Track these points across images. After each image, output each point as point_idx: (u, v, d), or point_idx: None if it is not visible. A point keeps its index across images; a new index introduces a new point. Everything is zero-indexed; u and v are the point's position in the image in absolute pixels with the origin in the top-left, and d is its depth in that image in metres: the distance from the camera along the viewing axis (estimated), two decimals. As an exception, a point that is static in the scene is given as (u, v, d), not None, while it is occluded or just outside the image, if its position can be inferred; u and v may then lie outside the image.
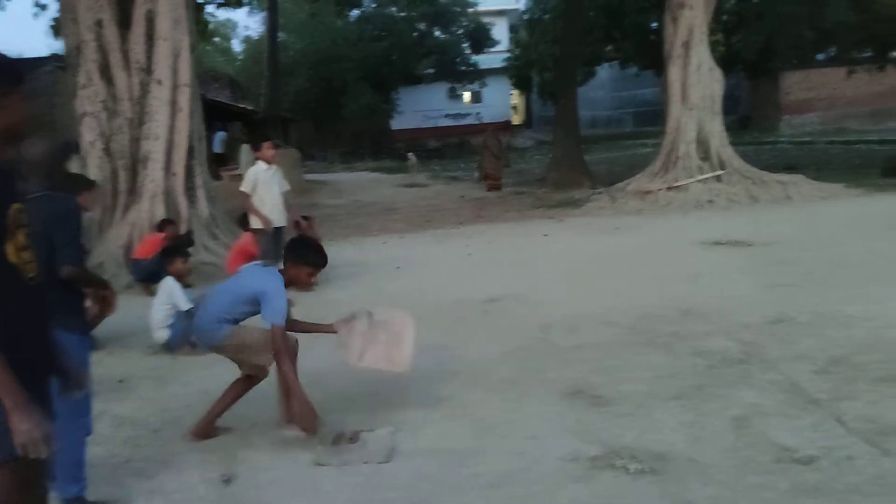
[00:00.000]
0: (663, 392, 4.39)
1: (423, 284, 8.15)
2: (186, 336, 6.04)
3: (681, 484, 3.30)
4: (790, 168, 15.90)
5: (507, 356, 5.41)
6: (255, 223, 7.74)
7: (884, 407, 3.93)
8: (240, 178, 19.08)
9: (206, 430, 4.18)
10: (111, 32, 10.13)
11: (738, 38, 29.19)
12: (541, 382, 4.76)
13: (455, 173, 25.23)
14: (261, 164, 7.90)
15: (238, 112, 27.86)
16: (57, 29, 11.85)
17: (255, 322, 4.09)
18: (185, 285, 6.31)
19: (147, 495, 3.59)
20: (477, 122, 41.17)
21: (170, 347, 6.02)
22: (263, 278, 4.03)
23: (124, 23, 10.18)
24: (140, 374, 5.58)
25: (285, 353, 3.93)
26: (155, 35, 10.11)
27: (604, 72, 36.95)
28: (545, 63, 31.79)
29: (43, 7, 15.79)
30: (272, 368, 4.11)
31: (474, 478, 3.52)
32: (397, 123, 40.90)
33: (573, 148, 18.13)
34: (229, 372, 5.23)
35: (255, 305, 3.99)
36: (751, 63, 30.67)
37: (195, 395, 4.99)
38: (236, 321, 4.05)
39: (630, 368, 4.88)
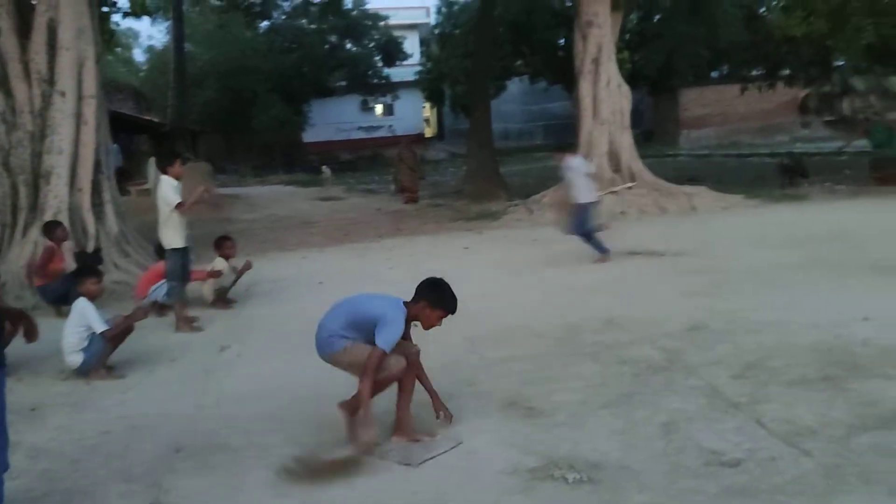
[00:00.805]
0: (594, 401, 4.50)
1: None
2: (101, 359, 5.79)
3: (617, 492, 3.39)
4: (692, 180, 16.66)
5: (437, 370, 5.34)
6: (175, 242, 7.38)
7: (798, 409, 4.15)
8: (148, 192, 18.49)
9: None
10: (10, 42, 9.61)
11: (640, 55, 30.46)
12: (474, 395, 4.79)
13: (370, 186, 25.14)
14: (172, 181, 7.60)
15: (143, 124, 26.88)
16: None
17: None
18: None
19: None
20: (390, 135, 41.21)
21: (84, 372, 5.73)
22: (386, 305, 4.07)
23: (24, 32, 9.67)
24: (53, 401, 5.28)
25: (372, 376, 3.87)
26: (57, 44, 9.64)
27: (514, 86, 37.74)
28: (456, 76, 32.21)
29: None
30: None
31: (415, 495, 3.50)
32: (309, 136, 40.46)
33: (488, 160, 18.40)
34: (147, 399, 5.07)
35: (367, 327, 3.99)
36: (652, 80, 32.06)
37: (113, 420, 4.78)
38: (351, 338, 4.03)
39: (561, 379, 4.98)
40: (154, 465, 4.02)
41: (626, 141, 14.86)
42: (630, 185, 14.18)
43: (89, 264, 7.35)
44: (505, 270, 9.27)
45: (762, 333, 5.67)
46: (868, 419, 3.94)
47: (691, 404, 4.33)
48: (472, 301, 7.54)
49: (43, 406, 5.14)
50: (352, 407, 4.02)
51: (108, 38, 12.93)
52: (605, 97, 14.61)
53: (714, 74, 34.93)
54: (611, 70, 14.74)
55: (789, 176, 16.25)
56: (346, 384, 5.20)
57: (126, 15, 13.58)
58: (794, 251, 8.94)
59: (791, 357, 5.07)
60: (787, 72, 27.81)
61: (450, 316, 4.20)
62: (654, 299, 7.12)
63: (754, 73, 29.91)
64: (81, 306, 5.82)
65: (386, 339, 3.91)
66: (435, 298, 4.12)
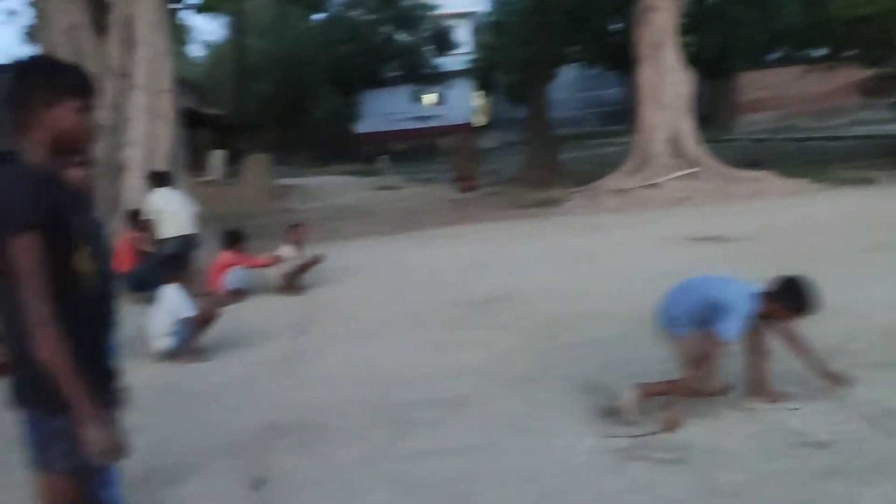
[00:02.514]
0: (676, 384, 4.52)
1: (417, 286, 8.21)
2: (189, 343, 6.03)
3: (708, 470, 3.43)
4: (753, 164, 16.32)
5: (515, 354, 5.50)
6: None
7: (883, 391, 4.14)
8: (210, 183, 19.00)
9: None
10: (86, 38, 9.99)
11: (695, 39, 29.83)
12: (555, 379, 4.85)
13: (426, 175, 25.30)
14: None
15: (204, 118, 27.52)
16: (31, 35, 11.59)
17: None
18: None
19: (176, 502, 3.59)
20: (442, 125, 41.28)
21: (172, 355, 5.98)
22: (737, 294, 3.83)
23: (100, 28, 10.04)
24: (146, 382, 5.49)
25: (705, 363, 3.79)
26: (133, 40, 9.98)
27: (567, 73, 37.37)
28: (510, 65, 32.05)
29: (13, 13, 15.44)
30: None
31: (505, 473, 3.59)
32: (363, 127, 40.78)
33: (547, 148, 18.37)
34: (235, 381, 5.24)
35: (708, 311, 3.83)
36: (708, 64, 31.36)
37: (205, 402, 4.98)
38: (694, 325, 3.91)
39: (640, 363, 4.99)
40: (251, 443, 4.19)
41: (687, 126, 14.65)
42: (693, 170, 13.98)
43: (177, 253, 7.63)
44: (572, 256, 9.28)
45: (841, 317, 5.56)
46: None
47: (777, 388, 4.31)
48: (540, 287, 7.66)
49: (136, 387, 5.38)
50: (653, 391, 4.03)
51: (179, 33, 13.31)
52: (667, 82, 14.42)
53: (771, 57, 33.99)
54: (672, 54, 14.53)
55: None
56: (421, 366, 5.37)
57: (199, 10, 13.94)
58: (864, 235, 8.73)
59: (873, 340, 5.03)
60: (849, 53, 26.89)
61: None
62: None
63: (813, 55, 29.01)
64: (170, 293, 6.07)
65: (730, 330, 3.73)
66: (796, 301, 3.85)
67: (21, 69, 2.12)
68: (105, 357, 2.23)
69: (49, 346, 1.93)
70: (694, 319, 3.91)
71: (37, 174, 2.01)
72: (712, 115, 35.89)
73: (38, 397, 2.07)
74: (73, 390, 1.96)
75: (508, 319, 6.52)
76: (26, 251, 1.93)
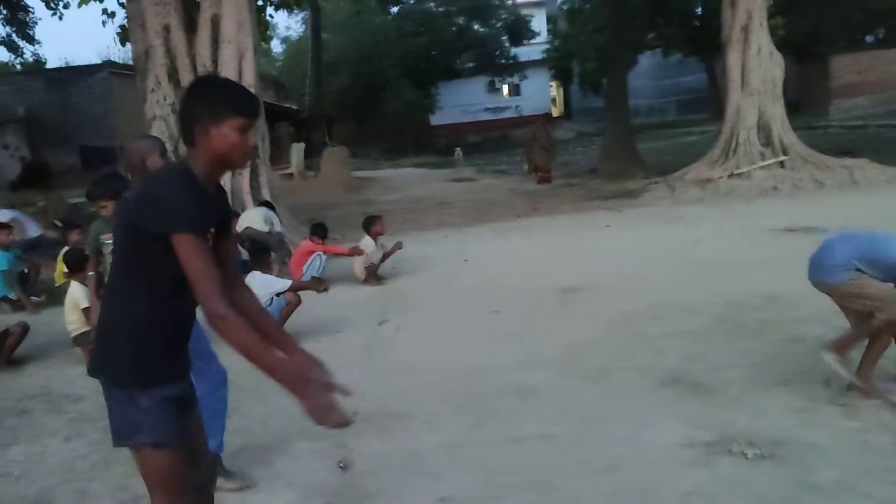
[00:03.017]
0: (765, 378, 4.37)
1: (494, 276, 8.19)
2: (283, 317, 6.19)
3: (803, 468, 3.29)
4: (846, 152, 15.57)
5: (594, 345, 5.43)
6: None
7: None
8: (290, 176, 19.47)
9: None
10: (178, 37, 10.37)
11: (785, 21, 28.65)
12: (635, 371, 4.76)
13: (501, 167, 25.21)
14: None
15: (283, 112, 28.23)
16: (125, 36, 12.12)
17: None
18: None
19: (270, 480, 3.69)
20: (516, 115, 41.06)
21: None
22: None
23: (190, 27, 10.41)
24: (233, 366, 5.71)
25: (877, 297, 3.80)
26: (220, 38, 10.31)
27: (645, 60, 36.52)
28: (587, 53, 31.58)
29: (111, 15, 16.19)
30: None
31: (586, 463, 3.54)
32: (437, 119, 40.99)
33: (625, 137, 17.99)
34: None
35: (890, 268, 3.83)
36: (799, 47, 30.05)
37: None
38: (864, 273, 3.89)
39: (726, 355, 4.86)
40: (338, 430, 4.26)
41: (777, 112, 14.07)
42: (783, 158, 13.44)
43: (266, 243, 7.85)
44: (651, 248, 9.07)
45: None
46: None
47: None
48: (619, 278, 7.53)
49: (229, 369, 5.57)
50: (843, 345, 4.04)
51: (263, 31, 13.69)
52: (756, 66, 13.87)
53: (868, 38, 32.27)
54: (761, 37, 13.97)
55: None
56: (498, 356, 5.34)
57: (278, 7, 14.29)
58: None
59: None
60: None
61: None
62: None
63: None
64: (260, 275, 6.25)
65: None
66: None
67: (194, 87, 2.27)
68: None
69: (236, 336, 1.99)
70: (864, 268, 3.85)
71: (189, 179, 2.14)
72: (803, 100, 34.41)
73: (123, 375, 2.19)
74: (273, 369, 2.01)
75: (586, 310, 6.44)
76: (194, 249, 2.02)
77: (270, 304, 6.15)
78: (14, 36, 25.51)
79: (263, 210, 9.17)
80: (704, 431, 3.73)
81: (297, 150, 20.85)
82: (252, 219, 8.90)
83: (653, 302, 6.40)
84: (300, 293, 6.48)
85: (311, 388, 2.00)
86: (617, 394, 4.40)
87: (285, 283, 6.27)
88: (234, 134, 2.14)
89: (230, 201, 8.90)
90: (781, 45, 27.45)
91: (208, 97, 2.18)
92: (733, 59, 14.01)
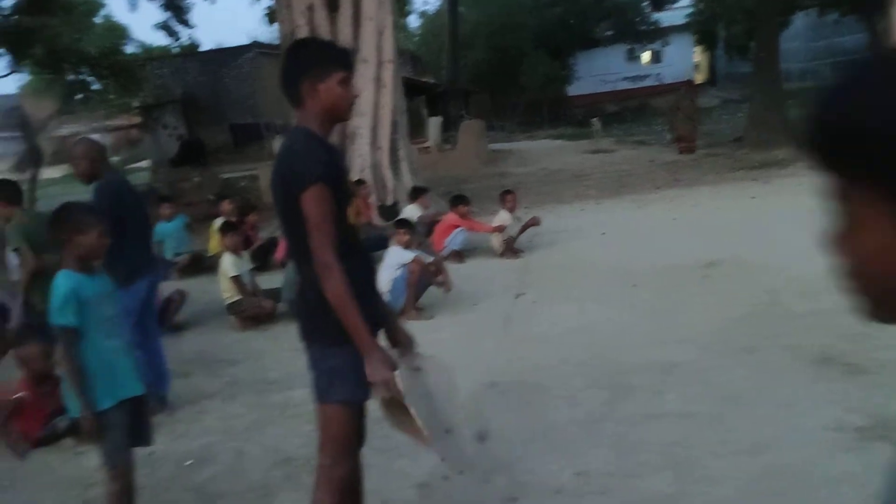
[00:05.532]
0: (927, 362, 4.09)
1: (633, 250, 8.05)
2: (411, 300, 6.42)
3: (968, 458, 3.08)
4: None
5: (737, 322, 5.26)
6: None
7: None
8: (428, 150, 19.86)
9: None
10: (321, 16, 10.81)
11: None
12: (782, 349, 4.59)
13: (640, 137, 24.45)
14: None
15: (421, 86, 28.71)
16: (271, 16, 12.79)
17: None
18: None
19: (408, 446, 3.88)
20: (657, 84, 39.50)
21: (398, 312, 6.40)
22: None
23: (333, 6, 10.81)
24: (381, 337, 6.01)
25: None
26: (361, 16, 10.65)
27: (798, 20, 33.93)
28: (734, 15, 29.81)
29: (258, -1, 17.11)
30: None
31: (726, 444, 3.47)
32: (574, 89, 40.15)
33: (775, 104, 16.90)
34: (457, 338, 5.48)
35: None
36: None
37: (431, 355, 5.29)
38: None
39: (882, 336, 4.53)
40: (475, 398, 4.36)
41: (951, 74, 12.73)
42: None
43: (398, 217, 8.14)
44: (801, 221, 8.54)
45: None
46: None
47: None
48: (765, 252, 7.20)
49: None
50: None
51: (402, 6, 13.97)
52: (927, 23, 12.62)
53: None
54: (934, -10, 12.66)
55: None
56: (637, 330, 5.28)
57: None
58: None
59: None
60: None
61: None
62: None
63: None
64: (395, 250, 6.51)
65: None
66: None
67: (293, 50, 2.44)
68: (372, 302, 2.44)
69: (335, 287, 2.18)
70: None
71: (315, 137, 2.33)
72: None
73: (321, 334, 2.35)
74: (357, 328, 2.20)
75: (729, 286, 6.22)
76: (316, 201, 2.20)
77: (392, 288, 6.38)
78: (171, 21, 27.47)
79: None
80: (855, 415, 3.56)
81: (435, 124, 21.19)
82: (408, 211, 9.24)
83: (801, 276, 6.06)
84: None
85: (378, 356, 2.22)
86: (761, 373, 4.27)
87: (411, 255, 6.49)
88: (338, 87, 2.31)
89: (370, 176, 9.28)
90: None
91: (310, 57, 2.36)
92: (902, 14, 12.78)
